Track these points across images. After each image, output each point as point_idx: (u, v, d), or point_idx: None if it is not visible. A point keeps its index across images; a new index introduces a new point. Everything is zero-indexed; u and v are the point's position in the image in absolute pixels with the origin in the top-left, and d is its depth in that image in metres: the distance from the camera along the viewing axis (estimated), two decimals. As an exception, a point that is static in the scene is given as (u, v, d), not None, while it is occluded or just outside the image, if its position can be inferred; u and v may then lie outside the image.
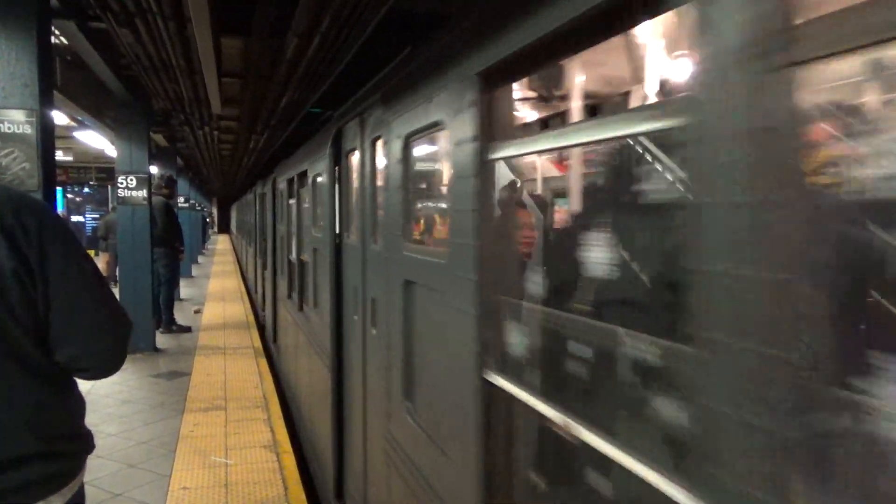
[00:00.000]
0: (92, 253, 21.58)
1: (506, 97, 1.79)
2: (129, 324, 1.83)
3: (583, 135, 1.42)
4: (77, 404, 1.81)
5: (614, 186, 2.16)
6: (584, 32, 1.34)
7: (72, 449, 1.75)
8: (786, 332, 0.85)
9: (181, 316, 10.98)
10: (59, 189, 24.01)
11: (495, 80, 1.72)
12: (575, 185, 3.04)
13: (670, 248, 1.61)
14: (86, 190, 27.12)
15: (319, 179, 4.47)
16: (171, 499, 4.42)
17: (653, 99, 2.73)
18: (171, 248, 10.32)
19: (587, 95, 3.12)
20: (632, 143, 1.93)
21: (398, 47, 2.84)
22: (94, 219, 25.47)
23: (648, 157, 1.87)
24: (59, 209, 22.05)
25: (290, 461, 5.14)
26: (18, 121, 4.09)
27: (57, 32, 6.06)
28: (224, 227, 50.30)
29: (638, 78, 2.95)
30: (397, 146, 2.46)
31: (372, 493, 3.21)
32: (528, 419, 1.78)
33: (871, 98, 1.69)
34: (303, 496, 4.55)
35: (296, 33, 5.36)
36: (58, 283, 1.61)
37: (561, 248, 2.43)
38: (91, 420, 1.85)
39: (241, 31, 5.89)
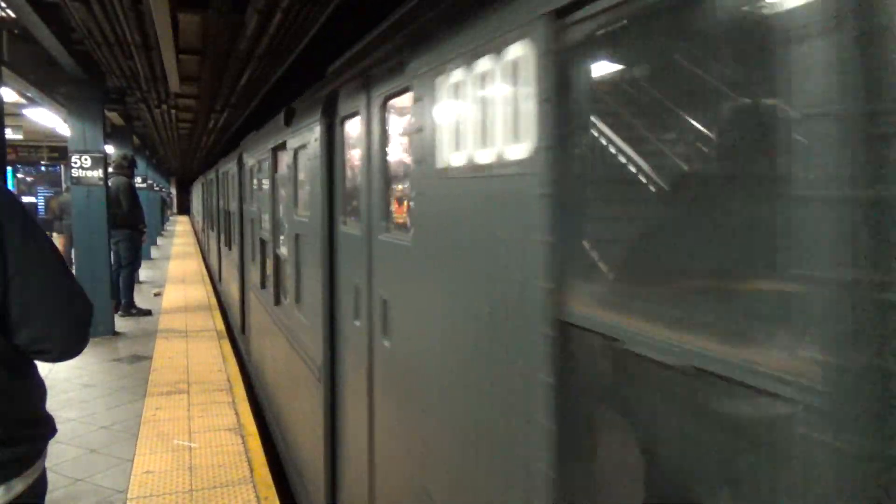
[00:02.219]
0: (45, 235, 20.97)
1: None
2: (89, 304, 1.80)
3: None
4: (37, 388, 1.78)
5: None
6: None
7: (32, 433, 1.73)
8: None
9: (141, 299, 10.76)
10: (9, 168, 23.13)
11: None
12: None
13: None
14: (39, 167, 26.18)
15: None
16: (135, 483, 4.36)
17: None
18: (133, 230, 10.05)
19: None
20: None
21: (367, 22, 2.74)
22: (46, 189, 24.56)
23: None
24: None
25: (255, 443, 5.12)
26: (-36, 97, 3.92)
27: (3, 5, 5.80)
28: (184, 209, 49.26)
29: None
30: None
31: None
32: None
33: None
34: (269, 477, 4.54)
35: (256, 8, 5.24)
36: (16, 264, 1.58)
37: None
38: (50, 405, 1.82)
39: (199, 5, 5.72)
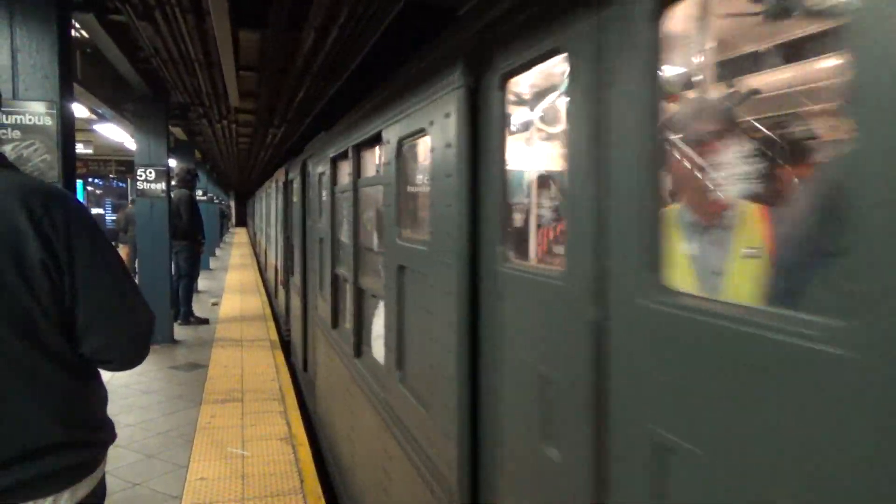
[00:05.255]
0: (111, 245, 21.89)
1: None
2: (152, 316, 1.85)
3: None
4: (100, 394, 1.83)
5: None
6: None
7: (95, 438, 1.77)
8: None
9: (199, 308, 11.07)
10: (79, 181, 24.27)
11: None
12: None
13: None
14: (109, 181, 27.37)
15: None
16: (189, 489, 4.46)
17: None
18: (193, 241, 10.38)
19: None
20: None
21: (415, 39, 2.90)
22: (111, 220, 25.63)
23: None
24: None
25: (305, 454, 5.16)
26: (39, 112, 4.12)
27: (77, 25, 6.10)
28: (242, 221, 50.64)
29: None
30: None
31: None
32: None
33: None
34: (319, 489, 4.56)
35: (312, 26, 5.35)
36: (84, 276, 1.62)
37: None
38: (110, 410, 1.87)
39: (257, 24, 5.88)
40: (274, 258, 12.71)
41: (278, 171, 11.53)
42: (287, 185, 8.96)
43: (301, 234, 6.92)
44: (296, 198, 7.47)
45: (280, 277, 10.90)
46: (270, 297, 12.85)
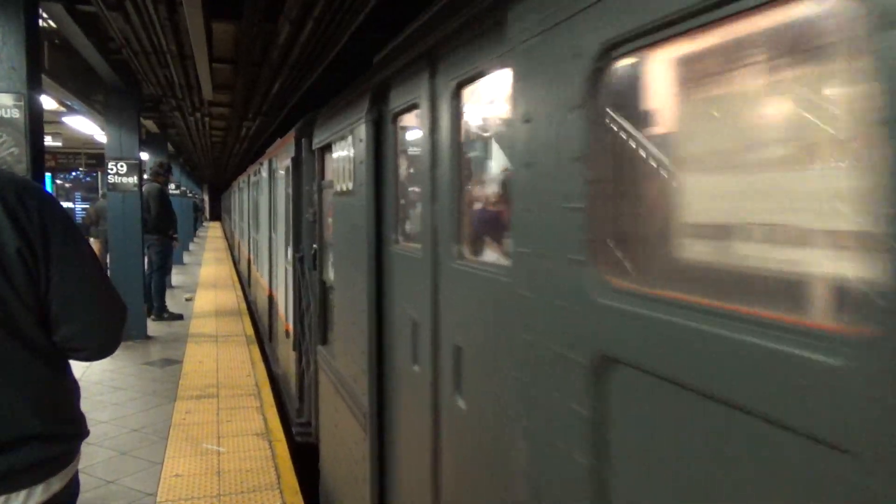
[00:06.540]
0: (82, 240, 21.54)
1: None
2: (124, 306, 1.86)
3: None
4: (74, 387, 1.82)
5: None
6: None
7: (70, 431, 1.76)
8: None
9: (172, 303, 10.93)
10: (48, 175, 23.77)
11: None
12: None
13: None
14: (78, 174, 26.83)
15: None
16: (164, 486, 4.41)
17: None
18: (164, 236, 10.24)
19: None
20: None
21: (392, 32, 2.82)
22: (83, 209, 25.18)
23: None
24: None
25: (282, 449, 5.14)
26: (6, 105, 4.02)
27: (45, 15, 5.97)
28: (216, 215, 50.14)
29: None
30: None
31: None
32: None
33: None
34: (295, 484, 4.55)
35: (288, 18, 5.30)
36: (58, 264, 1.64)
37: None
38: (83, 407, 1.85)
39: (232, 15, 5.81)
40: (267, 279, 8.68)
41: (272, 148, 8.23)
42: (300, 165, 5.23)
43: (372, 270, 2.91)
44: (344, 186, 3.37)
45: (287, 326, 6.42)
46: (260, 336, 9.42)
